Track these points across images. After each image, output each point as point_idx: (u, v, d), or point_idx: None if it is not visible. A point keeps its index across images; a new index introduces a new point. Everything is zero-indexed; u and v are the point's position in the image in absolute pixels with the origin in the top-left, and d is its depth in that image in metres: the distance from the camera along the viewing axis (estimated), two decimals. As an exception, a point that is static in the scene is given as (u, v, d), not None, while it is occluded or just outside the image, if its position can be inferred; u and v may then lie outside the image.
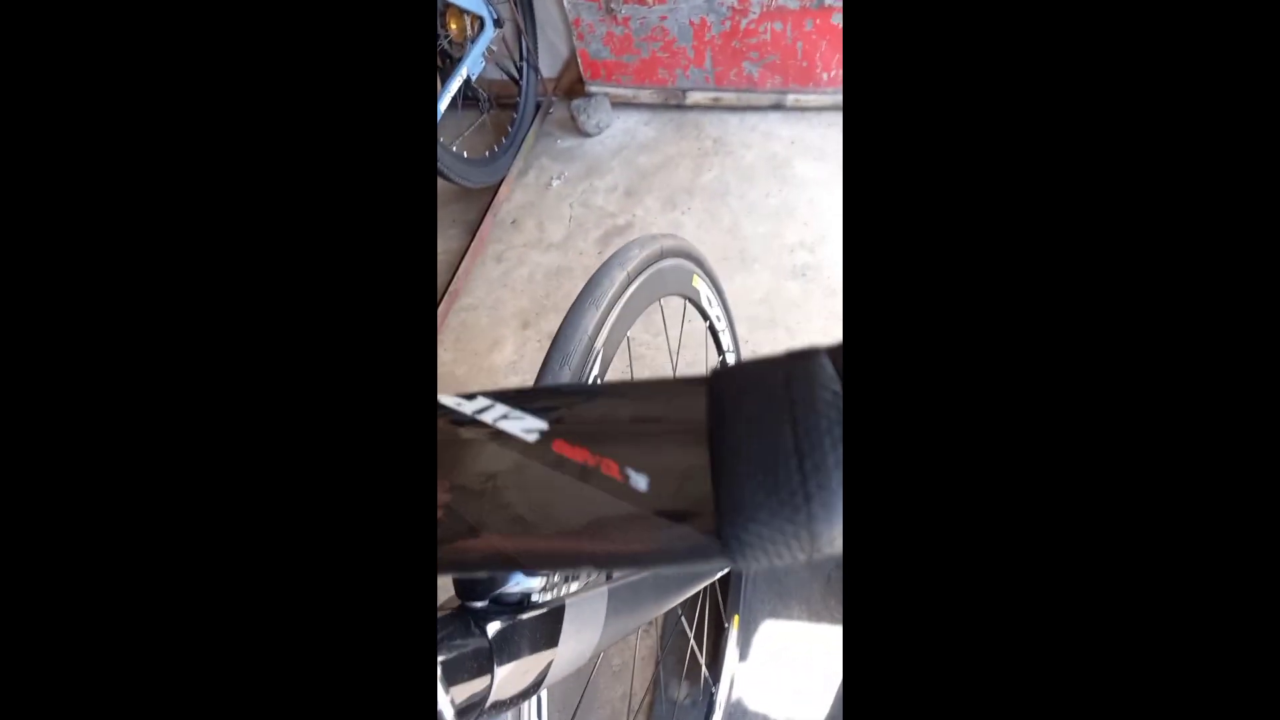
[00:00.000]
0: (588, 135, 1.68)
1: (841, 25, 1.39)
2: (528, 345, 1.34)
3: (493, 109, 1.64)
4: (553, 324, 1.37)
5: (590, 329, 0.54)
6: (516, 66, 1.66)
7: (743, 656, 0.95)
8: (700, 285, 0.74)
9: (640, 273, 0.60)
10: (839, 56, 1.45)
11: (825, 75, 1.50)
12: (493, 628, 0.28)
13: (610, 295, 0.56)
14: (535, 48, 1.68)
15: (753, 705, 0.91)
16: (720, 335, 0.83)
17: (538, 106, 1.73)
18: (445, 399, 0.20)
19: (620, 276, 0.58)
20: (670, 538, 0.15)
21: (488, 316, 1.39)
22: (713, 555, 0.15)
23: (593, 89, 1.69)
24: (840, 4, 1.36)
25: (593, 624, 0.36)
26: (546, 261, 1.46)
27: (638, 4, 1.48)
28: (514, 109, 1.67)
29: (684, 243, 0.68)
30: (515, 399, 0.19)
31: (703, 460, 0.15)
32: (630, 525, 0.16)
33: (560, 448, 0.17)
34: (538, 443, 0.17)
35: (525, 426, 0.18)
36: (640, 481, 0.16)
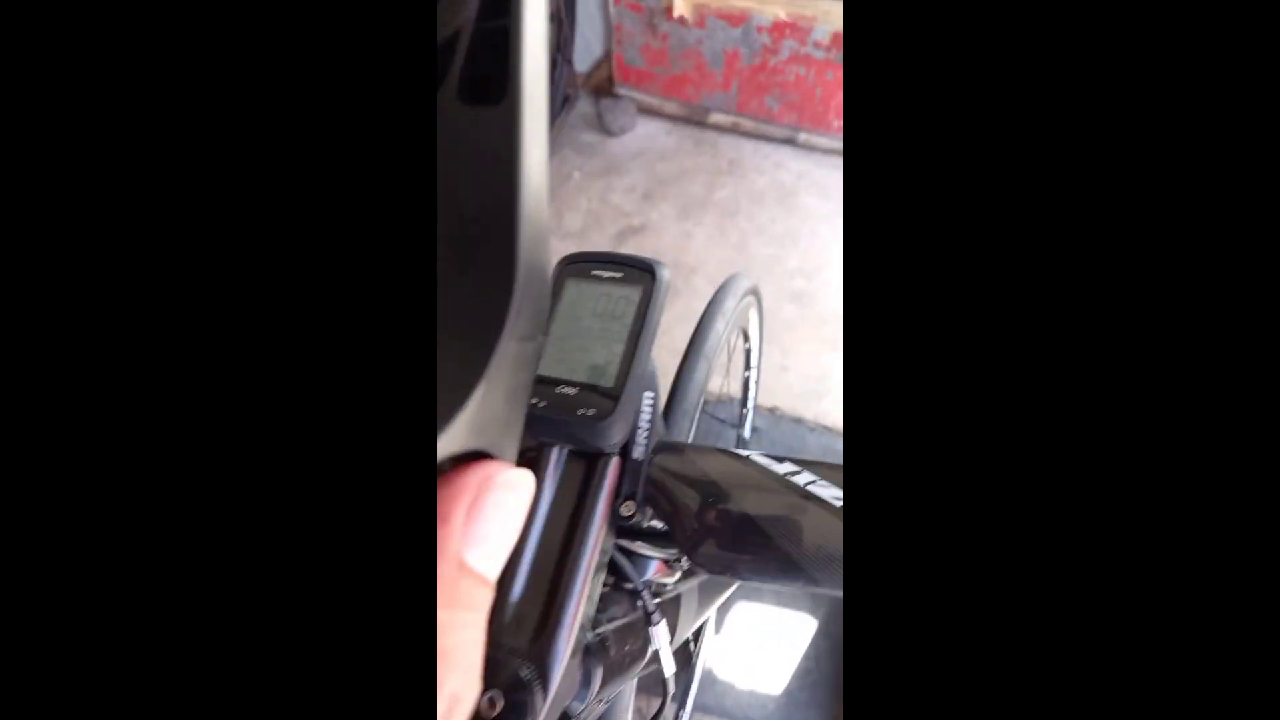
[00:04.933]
0: (611, 134, 1.76)
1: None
2: (538, 326, 1.41)
3: (524, 94, 1.70)
4: (564, 310, 1.45)
5: (702, 380, 0.64)
6: (551, 58, 1.72)
7: (717, 630, 1.06)
8: (753, 315, 0.84)
9: (731, 316, 0.72)
10: (853, 106, 1.60)
11: (836, 122, 1.64)
12: (650, 603, 0.39)
13: (713, 345, 0.67)
14: (572, 43, 1.74)
15: (721, 675, 1.03)
16: (751, 354, 0.94)
17: (565, 98, 1.80)
18: (756, 455, 0.33)
19: (721, 328, 0.69)
20: None
21: (501, 293, 1.45)
22: None
23: (621, 91, 1.77)
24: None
25: (689, 608, 0.48)
26: (562, 248, 1.52)
27: (679, 24, 1.58)
28: (543, 98, 1.73)
29: (754, 283, 0.79)
30: (815, 468, 0.31)
31: None
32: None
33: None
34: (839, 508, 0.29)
35: (832, 494, 0.30)
36: None
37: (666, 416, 0.65)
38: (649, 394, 0.34)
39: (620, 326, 0.31)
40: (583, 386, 0.30)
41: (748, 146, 1.74)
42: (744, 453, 0.33)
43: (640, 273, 0.33)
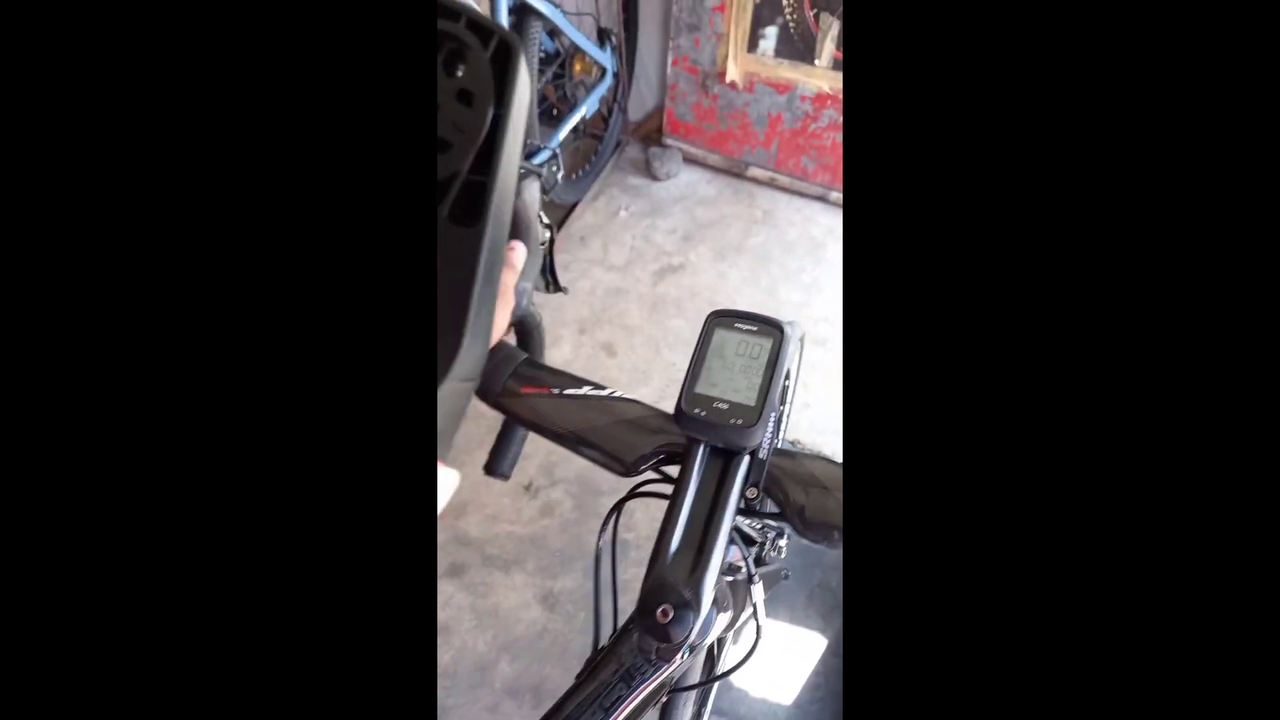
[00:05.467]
0: (656, 179, 1.91)
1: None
2: (582, 349, 1.53)
3: (582, 139, 1.85)
4: (607, 335, 1.57)
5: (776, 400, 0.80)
6: (608, 107, 1.88)
7: (734, 641, 1.14)
8: (797, 359, 0.98)
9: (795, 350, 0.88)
10: (882, 173, 1.75)
11: (867, 185, 1.79)
12: (754, 569, 0.52)
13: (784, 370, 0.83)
14: (628, 94, 1.91)
15: (736, 681, 1.11)
16: (788, 391, 1.06)
17: (618, 144, 1.96)
18: None
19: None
20: None
21: (550, 315, 1.57)
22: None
23: (669, 141, 1.93)
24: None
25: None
26: (607, 280, 1.66)
27: (729, 88, 1.74)
28: (599, 140, 1.89)
29: (803, 330, 0.95)
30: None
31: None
32: None
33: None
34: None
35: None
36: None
37: None
38: (774, 412, 0.45)
39: (758, 365, 0.42)
40: (733, 404, 0.41)
41: (781, 200, 1.88)
42: (832, 458, 0.44)
43: (771, 328, 0.44)
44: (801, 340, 0.99)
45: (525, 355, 0.52)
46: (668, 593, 0.37)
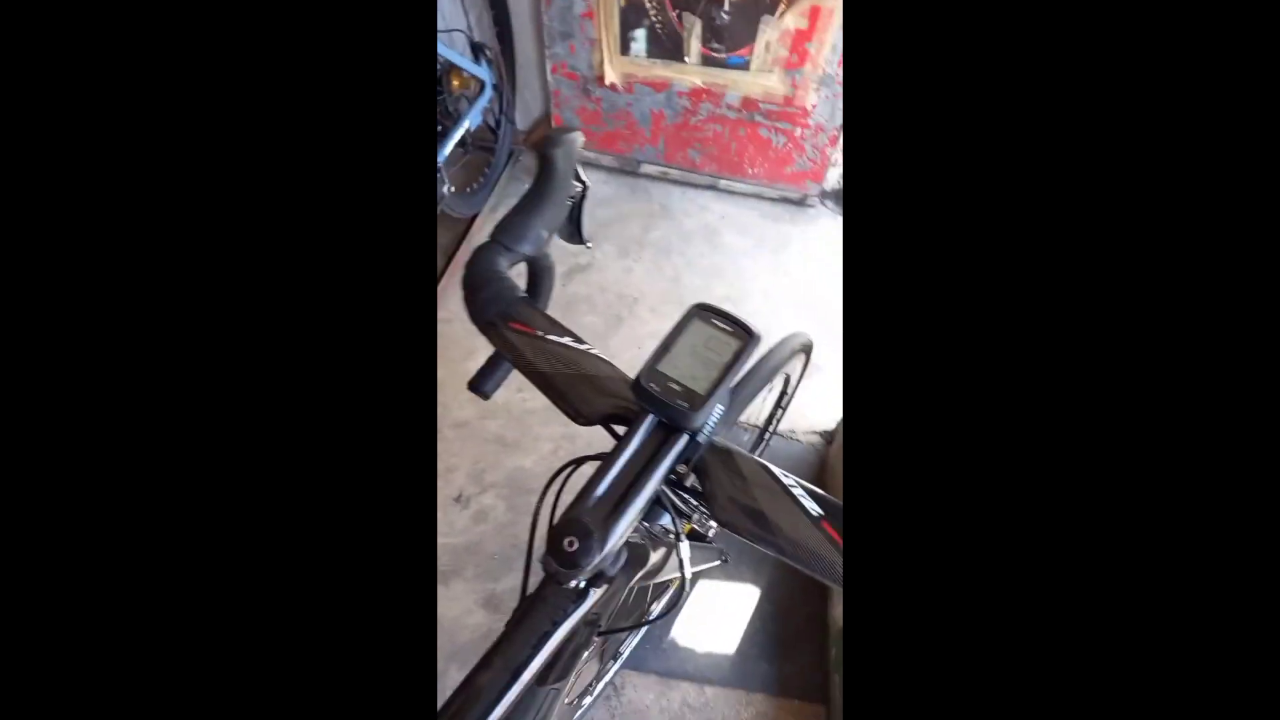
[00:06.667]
0: (553, 185, 1.96)
1: (769, 138, 1.81)
2: (500, 356, 1.57)
3: (472, 152, 1.88)
4: (522, 341, 1.61)
5: (746, 399, 0.83)
6: (495, 119, 1.92)
7: (661, 597, 1.22)
8: (796, 363, 1.03)
9: (792, 355, 0.92)
10: (761, 158, 1.87)
11: (750, 170, 1.91)
12: (679, 527, 0.58)
13: (767, 374, 0.87)
14: (513, 105, 1.95)
15: (682, 642, 1.19)
16: (784, 398, 1.15)
17: (510, 154, 2.00)
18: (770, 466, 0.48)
19: (778, 362, 0.89)
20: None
21: (462, 329, 1.60)
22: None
23: (561, 148, 1.99)
24: (765, 122, 1.78)
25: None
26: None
27: (610, 90, 1.82)
28: (490, 153, 1.93)
29: (810, 341, 0.99)
30: (807, 488, 0.46)
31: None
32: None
33: (825, 527, 0.44)
34: (816, 518, 0.45)
35: (812, 506, 0.46)
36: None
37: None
38: (720, 406, 0.50)
39: (718, 361, 0.47)
40: (685, 388, 0.46)
41: (675, 192, 1.98)
42: (768, 465, 0.50)
43: (744, 332, 0.48)
44: (808, 350, 1.06)
45: (524, 295, 0.56)
46: (576, 528, 0.42)
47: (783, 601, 1.23)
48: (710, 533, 0.69)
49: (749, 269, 1.79)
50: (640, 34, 1.68)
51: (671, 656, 1.16)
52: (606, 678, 1.09)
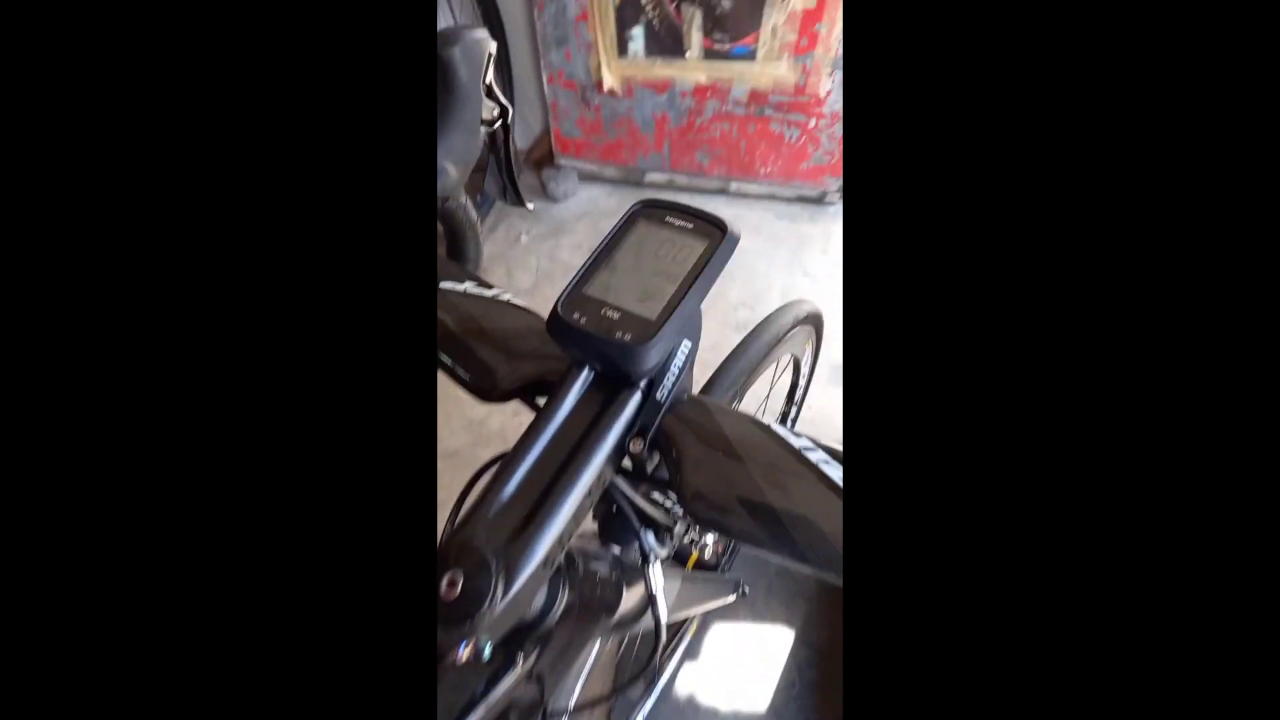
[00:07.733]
0: (555, 201, 1.87)
1: (781, 132, 1.68)
2: (494, 375, 1.43)
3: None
4: (519, 357, 1.47)
5: (750, 365, 0.64)
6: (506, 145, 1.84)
7: (693, 656, 1.02)
8: (809, 347, 0.83)
9: (795, 326, 0.71)
10: (774, 156, 1.74)
11: (762, 170, 1.78)
12: (649, 542, 0.43)
13: (773, 336, 0.67)
14: (513, 127, 1.88)
15: (703, 701, 0.98)
16: (797, 391, 0.96)
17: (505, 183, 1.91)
18: (776, 428, 0.32)
19: (788, 323, 0.69)
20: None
21: (455, 347, 1.47)
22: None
23: (562, 162, 1.90)
24: (776, 115, 1.66)
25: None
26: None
27: (609, 96, 1.73)
28: (482, 173, 1.84)
29: (816, 309, 0.77)
30: (828, 450, 0.31)
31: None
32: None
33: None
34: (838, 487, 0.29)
35: (837, 474, 0.30)
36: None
37: (706, 388, 0.65)
38: (687, 341, 0.33)
39: (679, 269, 0.31)
40: (626, 313, 0.30)
41: (682, 199, 1.85)
42: (765, 421, 0.33)
43: (711, 227, 0.33)
44: (817, 324, 0.80)
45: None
46: (468, 552, 0.26)
47: (823, 644, 1.02)
48: (720, 561, 0.50)
49: (763, 271, 1.64)
50: (637, 32, 1.60)
51: (689, 718, 0.95)
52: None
